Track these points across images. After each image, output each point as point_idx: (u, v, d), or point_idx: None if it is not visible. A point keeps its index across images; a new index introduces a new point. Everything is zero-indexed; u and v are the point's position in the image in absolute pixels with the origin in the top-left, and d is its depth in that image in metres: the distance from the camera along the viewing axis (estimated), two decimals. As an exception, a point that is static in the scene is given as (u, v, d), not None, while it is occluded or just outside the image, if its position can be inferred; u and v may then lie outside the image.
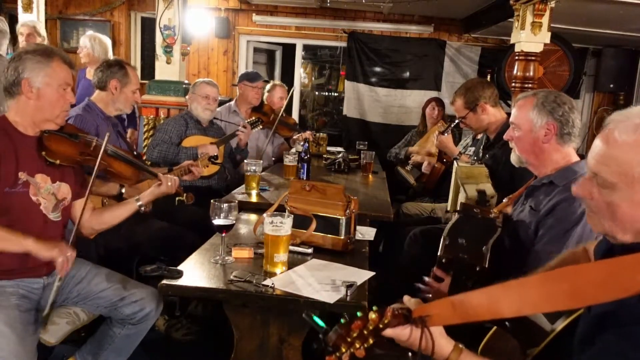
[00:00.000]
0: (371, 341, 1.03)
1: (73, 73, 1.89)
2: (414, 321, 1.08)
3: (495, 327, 1.29)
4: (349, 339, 1.01)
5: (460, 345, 1.10)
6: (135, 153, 2.39)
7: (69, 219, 1.97)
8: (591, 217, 1.05)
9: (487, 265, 1.62)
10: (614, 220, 0.98)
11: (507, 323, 1.24)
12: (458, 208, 1.96)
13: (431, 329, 1.08)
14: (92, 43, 4.06)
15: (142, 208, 2.04)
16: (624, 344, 0.89)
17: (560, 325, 1.13)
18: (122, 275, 2.00)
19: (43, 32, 4.09)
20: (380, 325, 1.03)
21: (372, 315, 1.01)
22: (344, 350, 1.01)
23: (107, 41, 4.19)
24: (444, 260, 1.70)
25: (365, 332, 1.02)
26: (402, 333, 1.08)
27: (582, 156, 1.87)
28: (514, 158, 1.95)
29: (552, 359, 1.05)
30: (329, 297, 1.50)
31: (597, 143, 1.00)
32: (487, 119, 2.81)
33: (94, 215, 1.99)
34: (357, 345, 1.02)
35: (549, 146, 1.81)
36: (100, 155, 1.84)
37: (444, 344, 1.10)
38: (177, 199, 2.20)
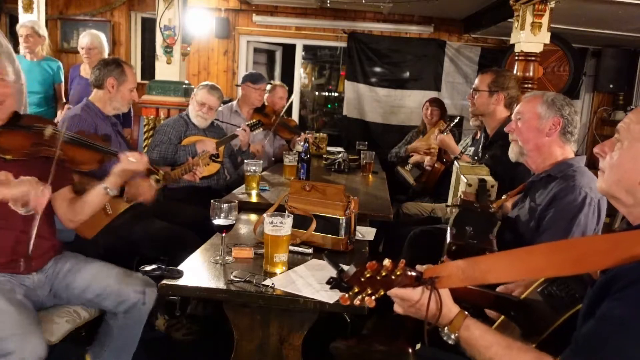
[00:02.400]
0: (382, 292, 1.07)
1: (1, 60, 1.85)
2: (424, 281, 1.11)
3: (501, 318, 1.31)
4: (362, 279, 1.05)
5: (465, 312, 1.13)
6: (100, 135, 2.31)
7: (53, 212, 1.97)
8: (599, 175, 1.14)
9: (497, 249, 1.62)
10: (611, 174, 1.08)
11: (512, 312, 1.26)
12: (458, 202, 1.97)
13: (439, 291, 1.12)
14: (100, 42, 4.03)
15: (109, 191, 1.96)
16: (618, 305, 0.92)
17: (564, 315, 1.16)
18: (109, 265, 1.97)
19: (43, 31, 4.06)
20: (393, 276, 1.06)
21: (386, 262, 1.06)
22: (356, 290, 1.05)
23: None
24: (454, 248, 1.70)
25: (378, 277, 1.06)
26: (411, 294, 1.11)
27: (578, 154, 1.91)
28: (513, 151, 1.97)
29: (555, 348, 1.06)
30: (329, 297, 1.50)
31: (635, 110, 1.12)
32: (491, 110, 2.76)
33: (70, 207, 1.96)
34: (369, 291, 1.06)
35: (550, 140, 1.87)
36: (58, 146, 1.80)
37: (450, 306, 1.13)
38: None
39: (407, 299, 1.13)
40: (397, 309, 1.15)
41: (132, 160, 1.98)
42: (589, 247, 0.98)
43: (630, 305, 0.91)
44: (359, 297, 1.06)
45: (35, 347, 1.59)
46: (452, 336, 1.12)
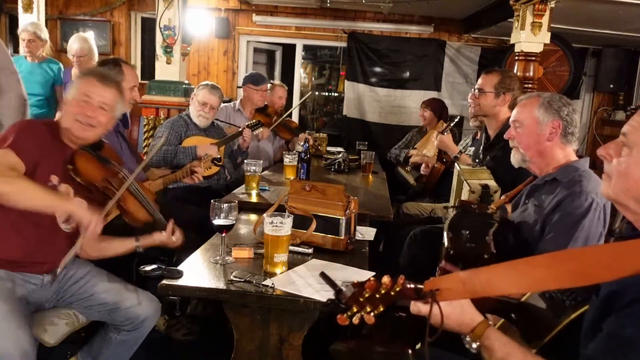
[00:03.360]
0: (381, 308, 1.06)
1: (110, 91, 1.91)
2: (424, 295, 1.10)
3: (502, 320, 1.30)
4: (361, 299, 1.04)
5: (490, 322, 1.12)
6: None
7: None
8: (605, 180, 1.09)
9: (494, 251, 1.62)
10: (620, 182, 1.03)
11: (513, 315, 1.25)
12: (456, 204, 1.97)
13: (460, 300, 1.11)
14: (89, 48, 3.93)
15: (139, 249, 2.01)
16: (627, 323, 0.90)
17: (566, 319, 1.15)
18: (121, 280, 1.98)
19: (45, 35, 4.00)
20: (392, 292, 1.05)
21: (385, 279, 1.05)
22: (355, 310, 1.04)
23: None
24: (452, 252, 1.69)
25: (377, 295, 1.05)
26: (413, 307, 1.10)
27: (582, 157, 1.89)
28: (515, 158, 1.94)
29: (557, 353, 1.05)
30: (329, 297, 1.50)
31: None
32: (495, 110, 2.76)
33: (94, 242, 1.95)
34: (368, 309, 1.05)
35: (552, 144, 1.83)
36: (121, 190, 1.86)
37: (473, 315, 1.12)
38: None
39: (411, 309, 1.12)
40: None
41: (174, 240, 2.03)
42: (592, 258, 0.94)
43: (639, 324, 0.89)
44: (358, 315, 1.05)
45: (19, 341, 1.58)
46: (474, 345, 1.11)
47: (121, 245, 2.00)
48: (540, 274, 0.98)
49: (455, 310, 1.11)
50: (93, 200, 1.94)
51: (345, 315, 1.05)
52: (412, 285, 1.10)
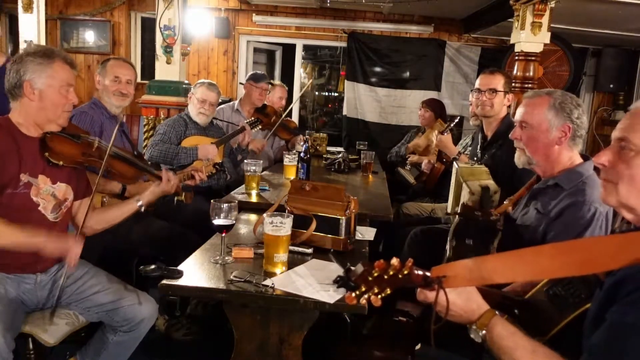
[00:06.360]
0: (388, 291, 1.07)
1: (75, 73, 1.90)
2: (431, 281, 1.11)
3: (505, 316, 1.30)
4: (369, 278, 1.06)
5: (495, 311, 1.13)
6: (136, 153, 2.39)
7: (71, 219, 1.97)
8: (607, 187, 1.07)
9: None
10: (631, 186, 1.02)
11: (516, 311, 1.25)
12: (459, 210, 1.95)
13: (467, 288, 1.12)
14: None
15: (143, 208, 2.04)
16: (628, 310, 0.91)
17: (569, 316, 1.15)
18: (120, 280, 1.97)
19: None
20: (400, 275, 1.07)
21: (394, 261, 1.06)
22: (363, 289, 1.05)
23: None
24: None
25: (386, 277, 1.06)
26: (419, 294, 1.12)
27: (586, 157, 1.83)
28: (521, 159, 1.89)
29: (560, 348, 1.06)
30: (329, 297, 1.50)
31: (630, 115, 1.06)
32: (499, 110, 2.75)
33: (94, 214, 1.99)
34: (376, 290, 1.06)
35: (560, 148, 1.78)
36: (105, 158, 1.85)
37: (480, 303, 1.13)
38: (176, 198, 2.19)
39: (418, 297, 1.13)
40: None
41: (171, 183, 2.09)
42: (596, 248, 0.95)
43: None
44: (365, 296, 1.06)
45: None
46: (480, 334, 1.11)
47: (125, 210, 2.03)
48: (546, 262, 0.99)
49: (461, 297, 1.12)
50: (81, 179, 1.96)
51: (353, 294, 1.06)
52: (420, 272, 1.11)
